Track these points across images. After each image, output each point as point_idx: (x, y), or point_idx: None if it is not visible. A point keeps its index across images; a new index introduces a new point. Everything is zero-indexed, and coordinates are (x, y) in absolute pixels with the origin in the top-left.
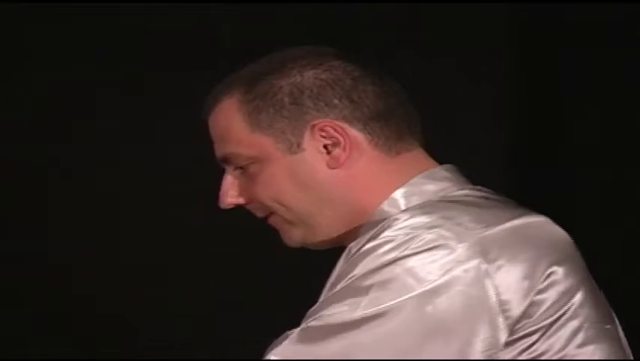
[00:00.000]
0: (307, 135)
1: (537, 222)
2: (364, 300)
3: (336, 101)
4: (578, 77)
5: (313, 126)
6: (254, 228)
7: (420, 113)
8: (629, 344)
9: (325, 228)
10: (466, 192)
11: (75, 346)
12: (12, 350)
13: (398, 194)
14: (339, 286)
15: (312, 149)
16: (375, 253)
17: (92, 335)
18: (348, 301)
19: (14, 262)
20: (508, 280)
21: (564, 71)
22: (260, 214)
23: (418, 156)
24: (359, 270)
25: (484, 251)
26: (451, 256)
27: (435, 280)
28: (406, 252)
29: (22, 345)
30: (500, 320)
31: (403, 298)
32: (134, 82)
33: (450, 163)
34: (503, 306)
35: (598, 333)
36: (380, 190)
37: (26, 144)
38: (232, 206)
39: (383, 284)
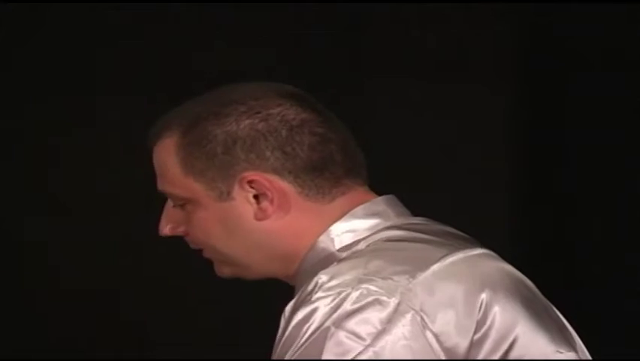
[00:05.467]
0: (236, 186)
1: (467, 257)
2: None
3: (268, 153)
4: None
5: (242, 178)
6: None
7: (362, 154)
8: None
9: (256, 268)
10: (392, 233)
11: (75, 346)
12: (13, 350)
13: (332, 231)
14: (286, 357)
15: (241, 198)
16: (313, 319)
17: (92, 335)
18: None
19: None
20: (446, 326)
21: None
22: (194, 247)
23: (354, 195)
24: (299, 340)
25: (415, 301)
26: (385, 312)
27: (376, 338)
28: (344, 311)
29: (22, 344)
30: None
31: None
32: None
33: (391, 194)
34: (448, 353)
35: None
36: (311, 235)
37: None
38: (169, 235)
39: (328, 351)
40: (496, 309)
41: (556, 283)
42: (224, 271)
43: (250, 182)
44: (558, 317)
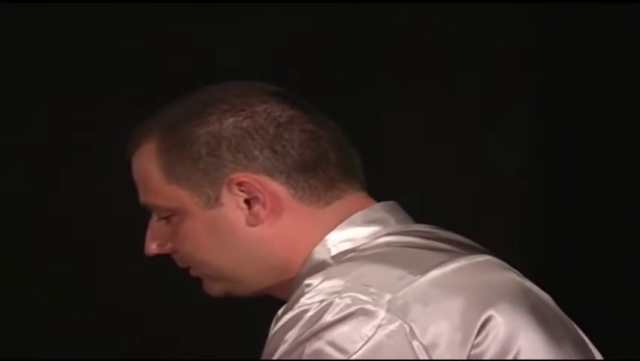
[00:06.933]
0: (225, 190)
1: (470, 265)
2: None
3: (256, 152)
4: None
5: (231, 181)
6: None
7: (358, 156)
8: None
9: (246, 283)
10: (390, 239)
11: (74, 346)
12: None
13: (329, 240)
14: None
15: (231, 204)
16: (296, 327)
17: (91, 335)
18: None
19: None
20: (436, 338)
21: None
22: (182, 265)
23: (351, 201)
24: (283, 347)
25: (404, 310)
26: (371, 322)
27: (359, 350)
28: (324, 322)
29: (21, 344)
30: None
31: None
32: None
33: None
34: None
35: None
36: (306, 244)
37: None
38: (156, 254)
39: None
40: (498, 320)
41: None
42: (214, 288)
43: (239, 184)
44: (574, 328)
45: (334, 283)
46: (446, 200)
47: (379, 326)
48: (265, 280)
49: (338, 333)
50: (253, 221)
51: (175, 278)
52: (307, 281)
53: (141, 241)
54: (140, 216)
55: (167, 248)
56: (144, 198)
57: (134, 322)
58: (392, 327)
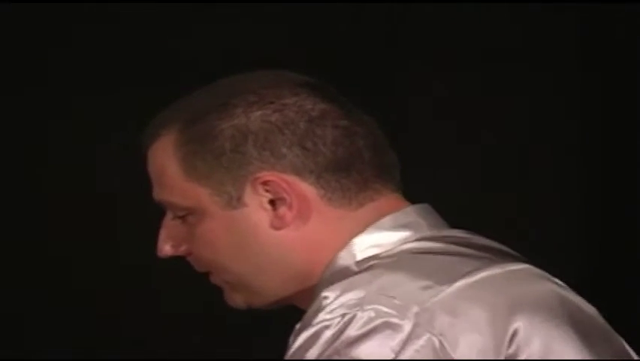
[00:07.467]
0: (249, 189)
1: (504, 273)
2: None
3: (284, 149)
4: None
5: (255, 179)
6: None
7: (395, 155)
8: None
9: (268, 292)
10: (419, 244)
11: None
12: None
13: (355, 245)
14: None
15: (254, 204)
16: (317, 345)
17: (91, 335)
18: None
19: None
20: (468, 351)
21: None
22: (199, 269)
23: (386, 203)
24: None
25: (432, 323)
26: (397, 336)
27: None
28: (347, 338)
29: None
30: None
31: None
32: None
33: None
34: None
35: None
36: (331, 249)
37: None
38: (170, 256)
39: None
40: (531, 332)
41: None
42: (236, 299)
43: (265, 184)
44: (620, 344)
45: (355, 295)
46: (480, 204)
47: (407, 340)
48: (287, 287)
49: (364, 350)
50: (278, 224)
51: (176, 279)
52: (325, 293)
53: (147, 241)
54: (141, 213)
55: (182, 250)
56: (159, 194)
57: (134, 322)
58: (421, 342)
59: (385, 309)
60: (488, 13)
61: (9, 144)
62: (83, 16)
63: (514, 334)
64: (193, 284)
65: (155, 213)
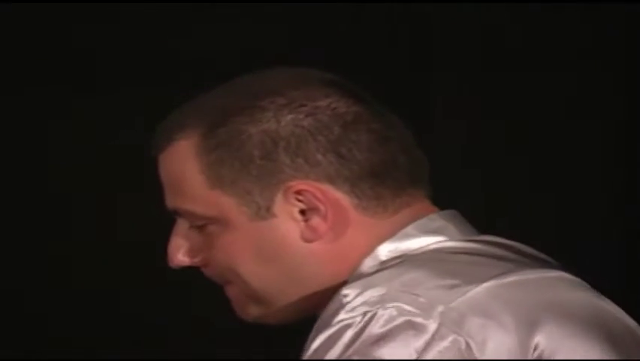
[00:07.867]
0: (280, 198)
1: (538, 278)
2: None
3: (319, 156)
4: None
5: (288, 188)
6: None
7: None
8: None
9: (288, 308)
10: (447, 245)
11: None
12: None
13: (379, 253)
14: None
15: (284, 215)
16: (338, 345)
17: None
18: None
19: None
20: (495, 354)
21: None
22: (217, 281)
23: (419, 208)
24: None
25: (458, 323)
26: (421, 337)
27: None
28: (369, 338)
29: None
30: None
31: None
32: None
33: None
34: None
35: None
36: (358, 256)
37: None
38: (183, 266)
39: None
40: (555, 346)
41: None
42: (250, 312)
43: (298, 193)
44: None
45: (376, 292)
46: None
47: (431, 341)
48: (313, 301)
49: (386, 351)
50: (310, 236)
51: (176, 279)
52: (345, 291)
53: (147, 241)
54: (141, 213)
55: (198, 260)
56: (174, 202)
57: (134, 322)
58: (445, 343)
59: (408, 307)
60: (488, 13)
61: (9, 144)
62: (83, 16)
63: (536, 347)
64: (193, 284)
65: (155, 213)
